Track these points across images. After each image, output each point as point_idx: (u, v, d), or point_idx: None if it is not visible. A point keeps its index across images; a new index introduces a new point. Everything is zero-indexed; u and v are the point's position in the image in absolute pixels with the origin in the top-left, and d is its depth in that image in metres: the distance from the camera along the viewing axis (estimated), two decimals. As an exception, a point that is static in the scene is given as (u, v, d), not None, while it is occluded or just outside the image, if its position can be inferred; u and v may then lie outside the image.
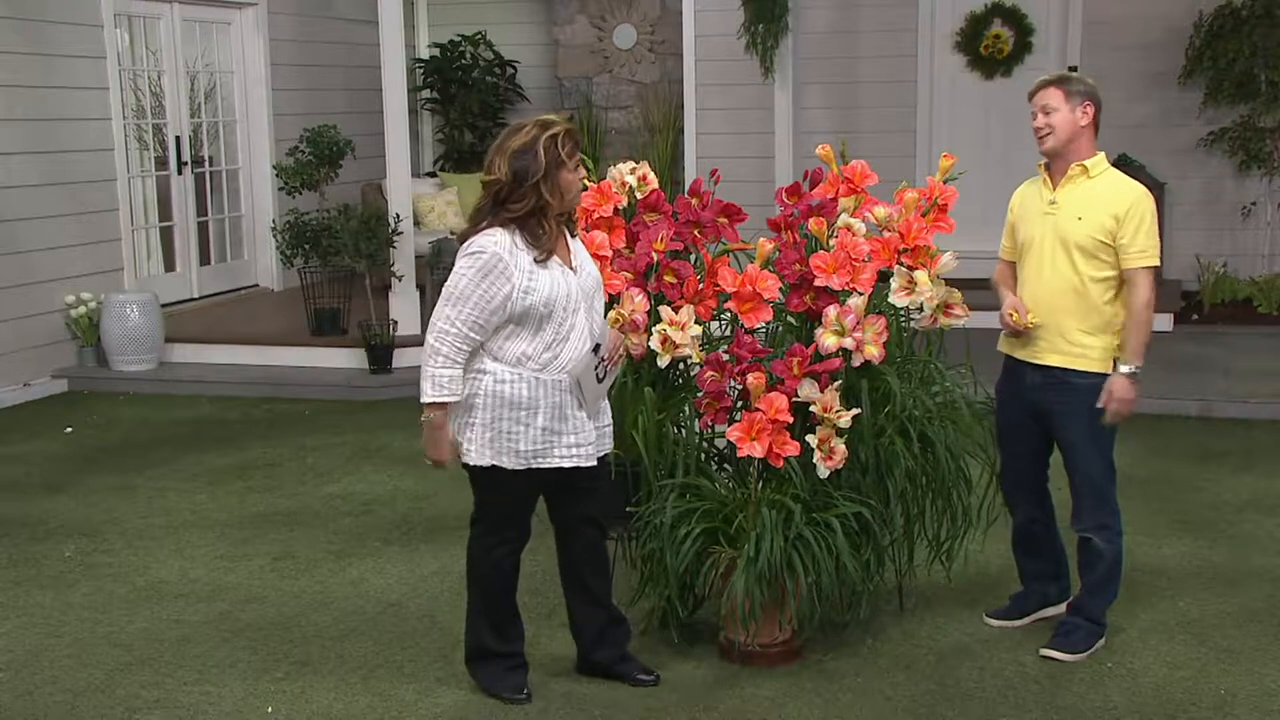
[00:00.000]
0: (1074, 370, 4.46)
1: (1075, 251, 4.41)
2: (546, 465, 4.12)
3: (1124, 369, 4.38)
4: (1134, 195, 4.40)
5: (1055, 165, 4.49)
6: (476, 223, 4.07)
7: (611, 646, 4.45)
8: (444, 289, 4.03)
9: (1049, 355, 4.49)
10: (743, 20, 10.16)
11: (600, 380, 4.17)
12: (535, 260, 4.01)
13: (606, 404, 4.28)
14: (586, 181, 4.68)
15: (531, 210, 4.00)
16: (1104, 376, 4.43)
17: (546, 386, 4.06)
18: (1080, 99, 4.40)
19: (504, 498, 4.19)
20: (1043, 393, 4.53)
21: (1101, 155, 4.48)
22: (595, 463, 4.22)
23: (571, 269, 4.11)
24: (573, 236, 4.20)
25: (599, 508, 4.35)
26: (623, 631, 4.48)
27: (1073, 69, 10.55)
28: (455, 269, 4.03)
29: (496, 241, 3.99)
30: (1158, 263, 4.39)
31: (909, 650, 4.67)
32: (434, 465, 4.16)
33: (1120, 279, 4.41)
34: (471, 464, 4.11)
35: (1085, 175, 4.43)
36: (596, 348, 4.14)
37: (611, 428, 4.30)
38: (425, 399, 4.02)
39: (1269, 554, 5.54)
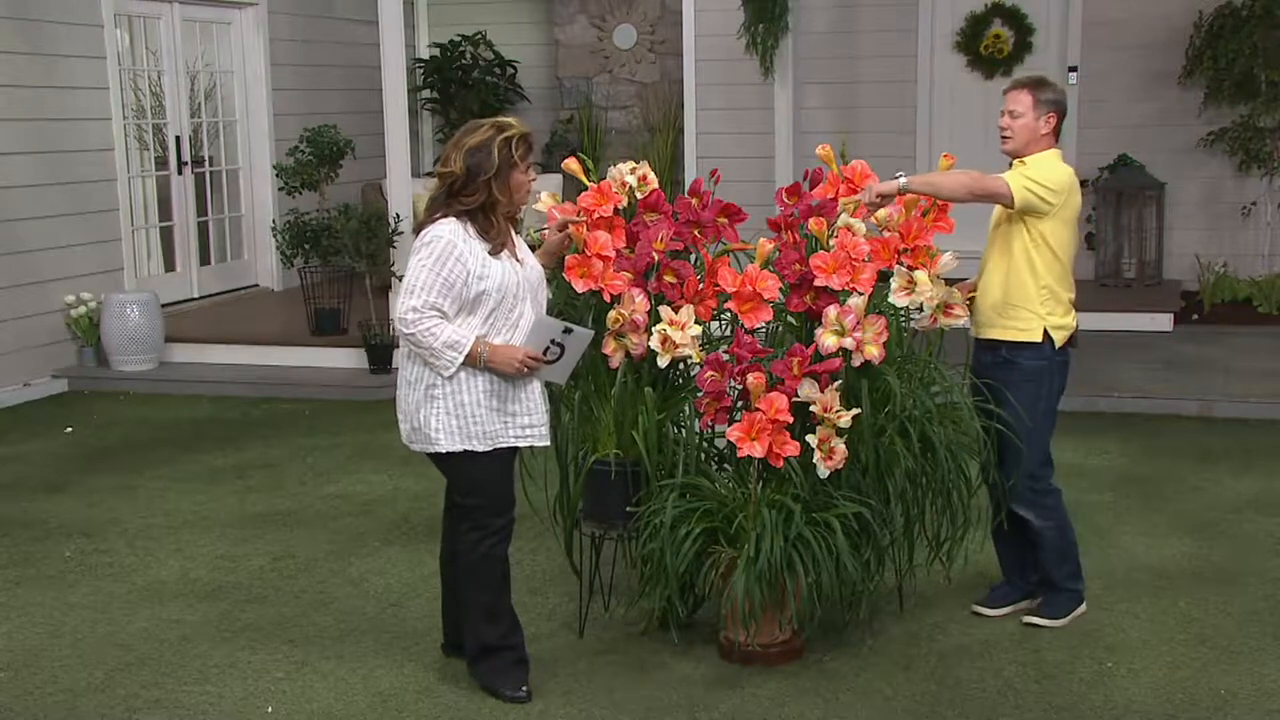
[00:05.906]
0: (1010, 343, 4.67)
1: (1003, 232, 4.69)
2: (504, 445, 4.23)
3: (901, 178, 4.58)
4: (1047, 164, 4.61)
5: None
6: (431, 213, 4.22)
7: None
8: (405, 282, 4.14)
9: (989, 330, 4.74)
10: (743, 20, 10.15)
11: (550, 362, 4.23)
12: (488, 251, 4.16)
13: (543, 400, 4.35)
14: (586, 181, 4.70)
15: (481, 205, 4.16)
16: (1039, 348, 4.63)
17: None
18: (1047, 108, 4.66)
19: (480, 483, 4.25)
20: (991, 373, 4.73)
21: (1051, 153, 4.67)
22: (548, 443, 4.36)
23: (518, 261, 4.25)
24: (517, 234, 4.33)
25: None
26: None
27: (1073, 69, 10.57)
28: (413, 261, 4.14)
29: (450, 229, 4.14)
30: (1010, 193, 4.53)
31: (909, 650, 4.68)
32: (532, 366, 4.18)
33: (1042, 251, 4.59)
34: (443, 451, 4.18)
35: (1024, 168, 4.67)
36: (568, 330, 4.22)
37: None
38: (450, 369, 4.11)
39: (1269, 554, 5.54)
